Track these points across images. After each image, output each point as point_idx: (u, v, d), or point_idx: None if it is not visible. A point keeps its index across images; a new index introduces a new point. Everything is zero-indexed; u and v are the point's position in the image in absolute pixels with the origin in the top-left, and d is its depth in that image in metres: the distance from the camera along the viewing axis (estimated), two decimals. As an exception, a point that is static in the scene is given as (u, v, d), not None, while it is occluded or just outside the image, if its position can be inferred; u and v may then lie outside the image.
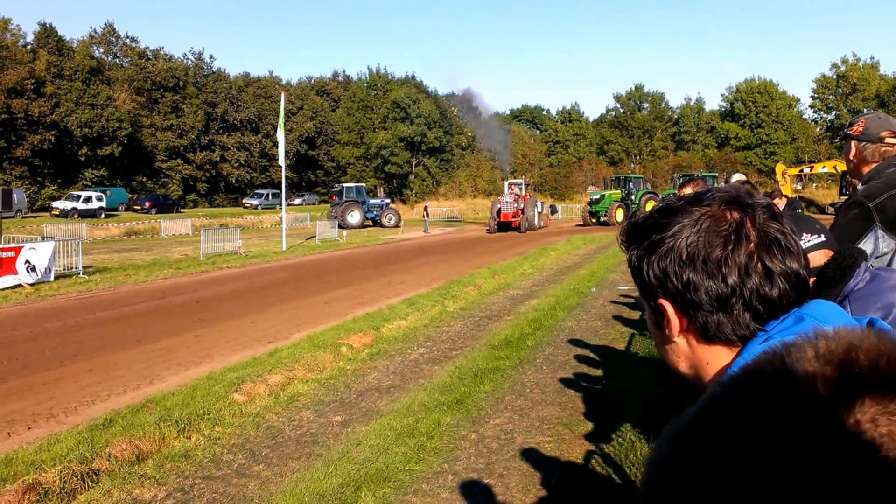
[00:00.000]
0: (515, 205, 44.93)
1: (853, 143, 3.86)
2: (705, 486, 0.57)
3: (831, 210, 45.02)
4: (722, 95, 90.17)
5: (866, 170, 3.79)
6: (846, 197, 3.97)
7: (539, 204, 50.07)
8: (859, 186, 3.75)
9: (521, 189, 48.92)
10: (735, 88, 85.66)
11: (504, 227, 44.55)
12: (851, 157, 3.89)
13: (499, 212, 44.86)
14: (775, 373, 0.62)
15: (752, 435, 0.57)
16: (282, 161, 33.97)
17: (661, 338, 1.39)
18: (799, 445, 0.54)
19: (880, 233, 3.43)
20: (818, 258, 2.51)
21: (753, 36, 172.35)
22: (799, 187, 62.69)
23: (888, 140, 3.73)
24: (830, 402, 0.56)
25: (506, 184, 51.94)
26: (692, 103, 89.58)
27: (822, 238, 2.61)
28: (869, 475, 0.51)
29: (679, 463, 0.61)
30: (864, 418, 0.54)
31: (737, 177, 4.43)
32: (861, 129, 3.81)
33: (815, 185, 68.32)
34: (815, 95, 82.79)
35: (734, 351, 1.29)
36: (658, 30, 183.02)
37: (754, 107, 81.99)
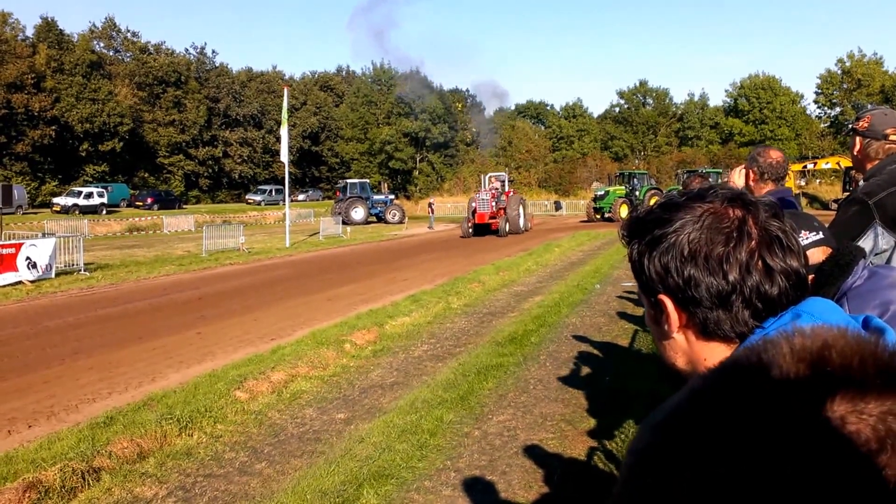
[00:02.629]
0: (494, 203, 38.92)
1: (858, 139, 3.84)
2: (679, 473, 0.58)
3: (834, 206, 45.03)
4: (726, 91, 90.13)
5: (869, 166, 3.77)
6: (849, 193, 3.96)
7: (522, 201, 43.70)
8: (861, 182, 3.74)
9: (503, 184, 42.96)
10: (739, 84, 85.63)
11: (481, 229, 38.41)
12: (856, 153, 3.87)
13: (474, 211, 38.75)
14: (751, 368, 0.63)
15: (725, 428, 0.58)
16: (284, 157, 33.88)
17: (659, 333, 1.40)
18: (769, 442, 0.55)
19: (880, 230, 3.42)
20: (816, 255, 2.49)
21: (758, 32, 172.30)
22: (802, 183, 62.65)
23: (892, 137, 3.71)
24: (802, 399, 0.57)
25: (485, 178, 44.87)
26: (696, 99, 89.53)
27: (821, 235, 2.60)
28: (836, 473, 0.52)
29: (656, 451, 0.62)
30: (834, 416, 0.55)
31: (775, 153, 4.37)
32: (867, 124, 3.78)
33: (818, 181, 68.29)
34: (820, 91, 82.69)
35: (732, 348, 1.30)
36: (662, 25, 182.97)
37: (758, 102, 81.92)
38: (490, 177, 43.91)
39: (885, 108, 3.96)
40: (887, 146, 3.72)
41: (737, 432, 0.57)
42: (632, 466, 0.65)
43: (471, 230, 38.15)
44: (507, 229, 38.21)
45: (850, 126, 3.94)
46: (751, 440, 0.56)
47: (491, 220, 38.25)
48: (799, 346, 0.62)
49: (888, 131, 3.72)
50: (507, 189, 42.33)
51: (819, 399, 0.56)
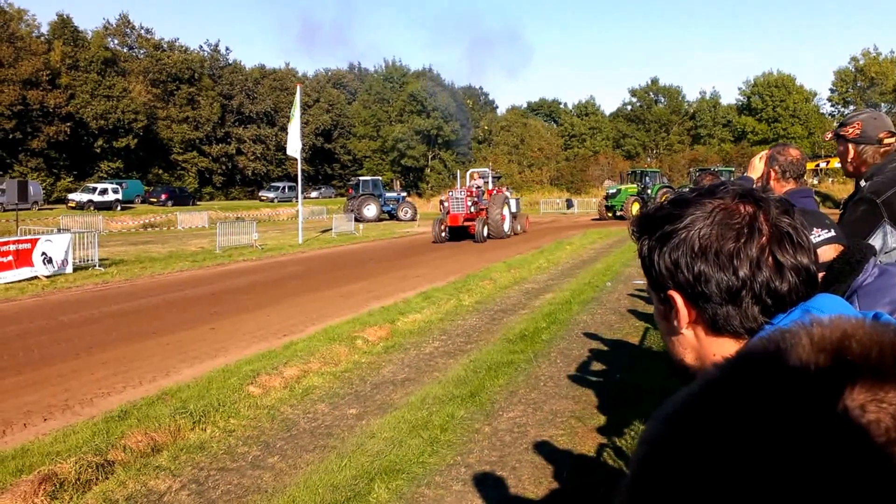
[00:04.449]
0: (471, 202, 33.13)
1: (850, 146, 3.84)
2: (693, 464, 0.58)
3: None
4: (739, 89, 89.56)
5: (866, 170, 3.78)
6: (853, 193, 3.97)
7: (514, 202, 38.22)
8: (862, 183, 3.74)
9: (486, 182, 37.01)
10: (752, 82, 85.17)
11: (457, 233, 32.88)
12: (850, 160, 3.87)
13: (448, 213, 33.25)
14: (769, 358, 0.63)
15: (741, 418, 0.58)
16: (291, 151, 33.47)
17: (668, 329, 1.40)
18: (787, 430, 0.55)
19: (888, 228, 3.43)
20: (828, 253, 2.50)
21: (771, 29, 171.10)
22: (815, 182, 62.36)
23: (886, 140, 3.72)
24: (822, 388, 0.57)
25: (467, 174, 39.16)
26: (708, 97, 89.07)
27: (832, 233, 2.61)
28: (855, 461, 0.52)
29: (669, 441, 0.62)
30: (854, 405, 0.55)
31: (794, 150, 4.36)
32: (858, 131, 3.79)
33: (831, 179, 67.93)
34: (834, 89, 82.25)
35: (741, 343, 1.30)
36: (674, 23, 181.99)
37: (771, 101, 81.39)
38: (472, 173, 38.28)
39: (871, 111, 3.97)
40: (882, 150, 3.73)
41: (754, 421, 0.57)
42: (644, 457, 0.64)
43: (443, 234, 32.55)
44: (486, 234, 32.81)
45: (838, 133, 3.94)
46: (768, 428, 0.56)
47: (467, 223, 32.73)
48: (818, 335, 0.62)
49: (881, 135, 3.73)
50: (490, 187, 36.65)
51: (839, 387, 0.56)
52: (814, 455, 0.53)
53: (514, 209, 36.84)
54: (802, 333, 0.63)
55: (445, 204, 33.83)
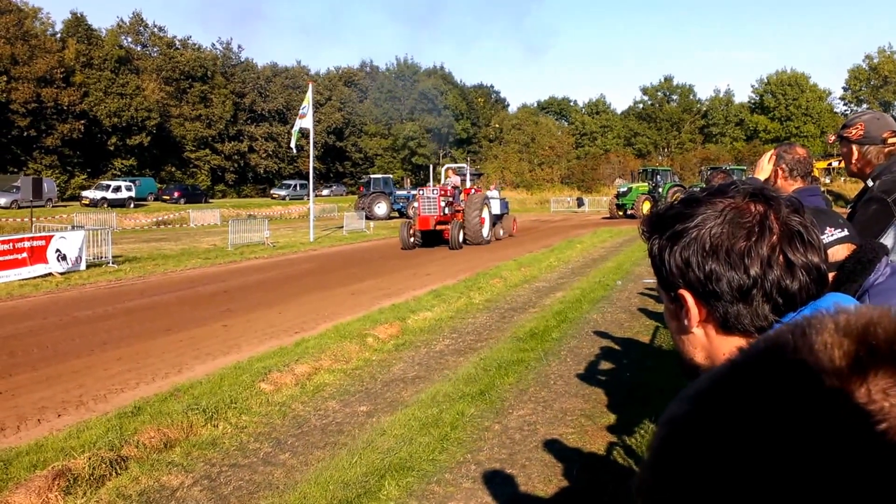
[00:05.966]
0: (444, 202, 28.91)
1: (854, 148, 3.84)
2: (716, 442, 0.59)
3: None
4: (752, 87, 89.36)
5: (869, 171, 3.79)
6: (861, 192, 3.97)
7: (499, 203, 33.66)
8: (870, 182, 3.74)
9: (463, 180, 33.06)
10: (766, 80, 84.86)
11: (430, 238, 28.81)
12: (854, 161, 3.87)
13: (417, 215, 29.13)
14: (795, 342, 0.63)
15: (766, 399, 0.59)
16: (292, 144, 33.46)
17: (678, 328, 1.41)
18: (811, 411, 0.56)
19: None
20: (841, 252, 2.49)
21: (785, 27, 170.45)
22: (827, 181, 62.06)
23: (890, 140, 3.73)
24: (846, 371, 0.58)
25: (441, 171, 34.99)
26: (721, 95, 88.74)
27: (845, 232, 2.60)
28: (875, 443, 0.53)
29: (694, 421, 0.63)
30: (876, 389, 0.56)
31: (800, 149, 4.38)
32: (861, 132, 3.79)
33: (843, 178, 67.62)
34: (847, 87, 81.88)
35: (751, 342, 1.30)
36: (687, 20, 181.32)
37: (784, 99, 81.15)
38: (447, 169, 33.82)
39: (874, 112, 3.98)
40: (887, 150, 3.74)
41: (780, 402, 0.57)
42: (666, 437, 0.64)
43: (412, 240, 28.28)
44: (462, 239, 28.71)
45: (841, 134, 3.94)
46: (793, 409, 0.56)
47: (441, 227, 28.66)
48: (843, 321, 0.63)
49: (885, 135, 3.73)
50: (467, 186, 32.56)
51: (863, 372, 0.57)
52: (837, 436, 0.54)
53: (498, 210, 33.00)
54: (828, 319, 0.64)
55: (416, 205, 30.18)
